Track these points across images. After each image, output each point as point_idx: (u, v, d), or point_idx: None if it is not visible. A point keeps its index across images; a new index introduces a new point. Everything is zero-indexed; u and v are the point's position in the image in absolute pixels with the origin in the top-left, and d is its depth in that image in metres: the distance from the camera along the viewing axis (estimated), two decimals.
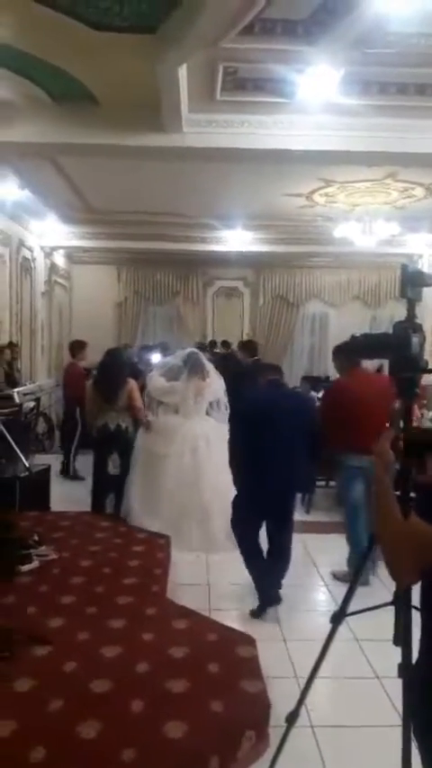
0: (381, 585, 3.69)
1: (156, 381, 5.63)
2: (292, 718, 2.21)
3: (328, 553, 4.79)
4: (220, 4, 3.19)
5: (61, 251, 11.29)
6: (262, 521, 4.03)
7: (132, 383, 5.47)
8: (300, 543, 5.00)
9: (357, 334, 1.87)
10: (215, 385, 5.54)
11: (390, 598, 1.82)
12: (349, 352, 4.09)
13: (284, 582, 4.14)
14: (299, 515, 5.15)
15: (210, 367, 5.69)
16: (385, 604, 1.86)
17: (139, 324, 12.92)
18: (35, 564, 4.02)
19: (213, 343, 11.78)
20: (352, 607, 2.07)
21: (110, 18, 3.43)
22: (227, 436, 4.28)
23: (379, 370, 6.40)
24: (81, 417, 7.18)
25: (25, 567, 3.94)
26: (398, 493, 1.51)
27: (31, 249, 9.65)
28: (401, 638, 1.73)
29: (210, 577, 4.36)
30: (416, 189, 7.34)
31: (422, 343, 1.68)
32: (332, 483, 5.79)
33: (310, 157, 5.29)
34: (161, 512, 5.07)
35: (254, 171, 6.43)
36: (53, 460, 7.09)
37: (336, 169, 6.46)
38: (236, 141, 4.90)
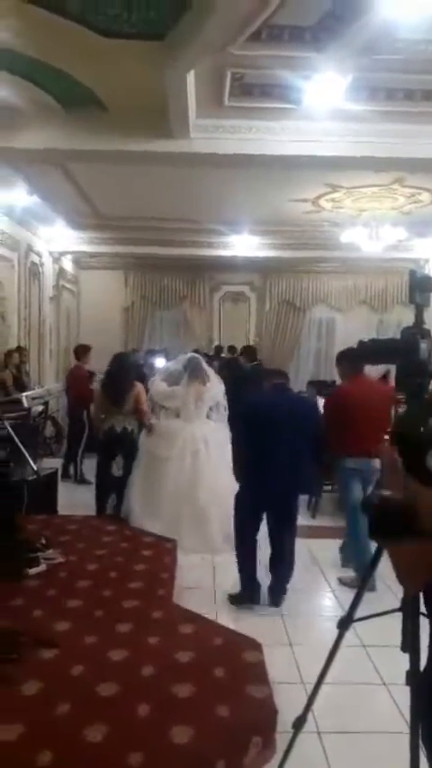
0: (388, 591, 3.67)
1: (157, 386, 5.70)
2: (299, 723, 2.21)
3: (335, 558, 4.77)
4: (228, 11, 3.21)
5: (69, 256, 11.35)
6: (261, 518, 4.11)
7: (140, 386, 5.53)
8: (305, 548, 5.00)
9: (365, 340, 1.87)
10: (215, 389, 5.61)
11: (397, 604, 1.81)
12: (356, 357, 4.17)
13: (291, 586, 4.13)
14: (305, 520, 5.16)
15: (210, 371, 5.75)
16: (393, 611, 1.85)
17: (146, 328, 12.96)
18: (42, 567, 4.03)
19: (220, 348, 11.82)
20: (359, 613, 2.07)
21: (118, 25, 3.46)
22: (226, 439, 4.29)
23: (385, 376, 6.38)
24: (88, 420, 7.21)
25: (32, 571, 3.95)
26: None
27: (39, 254, 9.70)
28: (409, 644, 1.73)
29: (216, 581, 4.35)
30: (423, 194, 7.34)
31: (430, 349, 1.68)
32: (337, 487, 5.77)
33: (316, 163, 5.31)
34: (161, 513, 5.13)
35: (261, 176, 6.45)
36: (61, 464, 7.12)
37: (342, 174, 6.47)
38: (243, 147, 4.93)
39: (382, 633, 2.55)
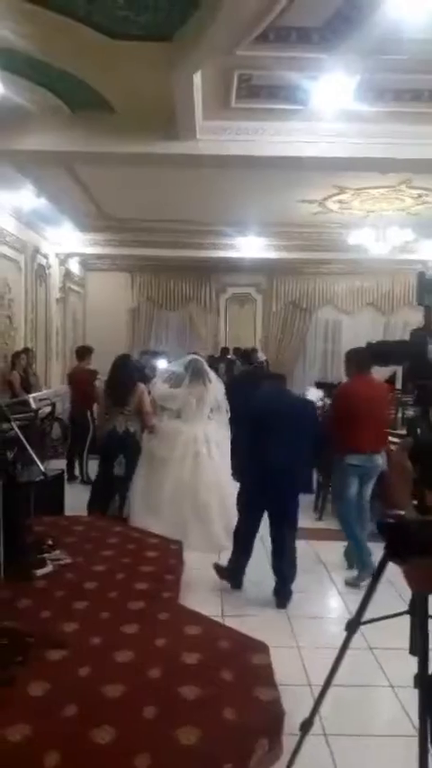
0: (396, 594, 3.66)
1: (158, 388, 5.75)
2: (306, 726, 2.19)
3: (339, 559, 4.76)
4: (235, 12, 3.22)
5: (76, 258, 11.38)
6: (262, 513, 4.19)
7: (142, 387, 5.58)
8: (312, 550, 4.99)
9: (374, 341, 1.86)
10: (216, 390, 5.65)
11: (405, 607, 1.80)
12: (361, 359, 4.33)
13: (297, 588, 4.13)
14: (311, 522, 5.15)
15: (211, 373, 5.80)
16: (401, 613, 1.84)
17: (152, 330, 12.96)
18: (50, 568, 4.04)
19: (226, 350, 11.82)
20: (367, 615, 2.06)
21: (126, 26, 3.47)
22: (227, 439, 4.30)
23: (392, 378, 6.37)
24: (91, 420, 7.22)
25: (40, 572, 3.96)
26: (416, 503, 1.49)
27: (46, 256, 9.74)
28: (418, 647, 1.72)
29: (222, 582, 4.34)
30: (430, 195, 7.33)
31: None
32: None
33: (324, 164, 5.31)
34: (163, 514, 5.17)
35: (268, 178, 6.45)
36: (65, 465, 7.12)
37: (350, 176, 6.47)
38: (250, 149, 4.93)
39: (388, 636, 2.54)
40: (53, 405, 5.50)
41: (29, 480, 4.14)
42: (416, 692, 1.70)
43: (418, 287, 1.73)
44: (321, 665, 2.27)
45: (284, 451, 3.92)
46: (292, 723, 2.46)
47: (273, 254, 10.72)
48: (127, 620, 3.38)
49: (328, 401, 7.15)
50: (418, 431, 1.59)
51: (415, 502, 1.49)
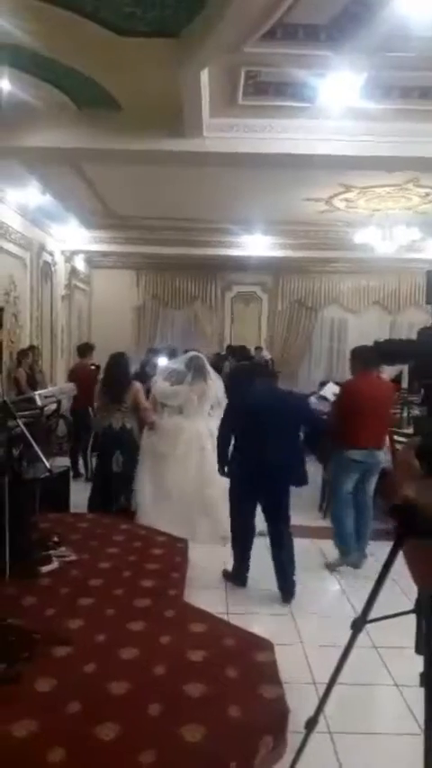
0: (401, 593, 3.65)
1: (159, 385, 5.79)
2: (311, 724, 2.19)
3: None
4: (243, 9, 3.21)
5: (81, 255, 11.39)
6: (254, 505, 4.24)
7: (137, 385, 5.63)
8: (316, 548, 4.99)
9: (381, 340, 1.85)
10: (216, 386, 5.72)
11: (411, 606, 1.80)
12: (366, 357, 4.42)
13: (302, 587, 4.12)
14: (315, 521, 5.15)
15: (211, 370, 5.87)
16: (407, 612, 1.84)
17: (158, 328, 12.98)
18: (55, 565, 4.05)
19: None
20: (372, 614, 2.05)
21: (133, 23, 3.47)
22: None
23: (398, 377, 6.37)
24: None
25: (45, 569, 3.97)
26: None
27: (51, 253, 9.75)
28: (424, 646, 1.71)
29: (227, 581, 4.34)
30: None
31: None
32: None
33: (331, 162, 5.29)
34: (170, 507, 5.24)
35: (274, 176, 6.44)
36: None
37: (356, 174, 6.45)
38: (257, 146, 4.92)
39: (393, 634, 2.54)
40: (58, 402, 5.50)
41: (34, 477, 4.15)
42: (421, 690, 1.69)
43: (427, 286, 1.73)
44: (326, 663, 2.27)
45: (276, 446, 3.98)
46: (296, 721, 2.47)
47: (278, 253, 10.71)
48: (132, 618, 3.38)
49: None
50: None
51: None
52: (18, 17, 3.42)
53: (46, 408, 4.62)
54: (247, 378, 4.73)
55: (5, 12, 3.36)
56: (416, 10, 3.35)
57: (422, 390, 1.67)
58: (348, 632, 2.09)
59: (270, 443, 3.99)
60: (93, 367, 7.68)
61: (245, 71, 4.20)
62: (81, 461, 7.45)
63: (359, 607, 2.09)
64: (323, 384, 9.68)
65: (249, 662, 2.99)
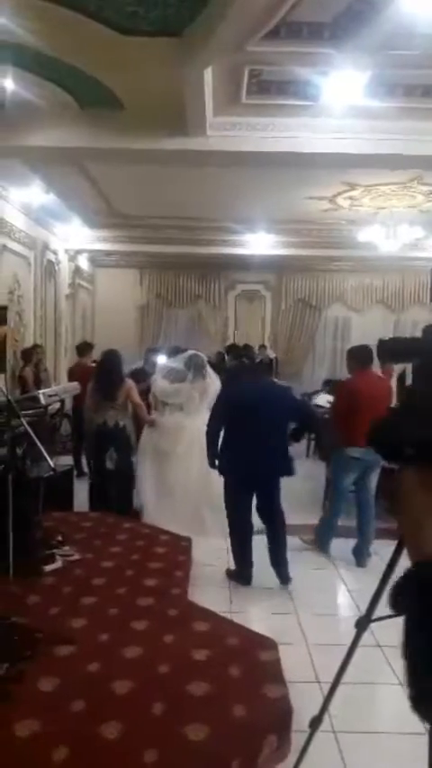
0: None
1: (159, 384, 5.84)
2: (315, 723, 2.19)
3: (349, 557, 4.75)
4: (246, 7, 3.20)
5: (85, 254, 11.40)
6: (250, 499, 4.33)
7: (130, 383, 5.66)
8: None
9: (385, 338, 1.84)
10: (215, 384, 5.78)
11: None
12: (363, 355, 4.61)
13: (306, 586, 4.13)
14: (318, 519, 5.14)
15: (209, 368, 5.95)
16: None
17: (161, 327, 12.98)
18: (59, 564, 4.06)
19: (238, 347, 11.82)
20: (377, 613, 2.05)
21: (136, 22, 3.46)
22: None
23: (402, 376, 6.35)
24: None
25: (49, 567, 3.98)
26: None
27: (55, 252, 9.76)
28: None
29: (231, 580, 4.34)
30: None
31: None
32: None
33: (334, 160, 5.28)
34: (176, 504, 5.31)
35: (277, 174, 6.43)
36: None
37: (360, 172, 6.43)
38: (260, 145, 4.91)
39: (398, 633, 2.52)
40: (62, 401, 5.50)
41: (38, 476, 4.16)
42: None
43: None
44: (330, 662, 2.27)
45: (264, 439, 4.09)
46: (300, 720, 2.46)
47: (282, 251, 10.69)
48: (135, 617, 3.38)
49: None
50: None
51: None
52: (21, 16, 3.42)
53: (50, 407, 4.63)
54: (236, 374, 4.80)
55: (9, 11, 3.36)
56: (420, 8, 3.34)
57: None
58: (352, 631, 2.09)
59: (258, 437, 4.10)
60: (93, 365, 7.68)
61: (248, 70, 4.19)
62: (84, 460, 7.46)
63: (363, 606, 2.08)
64: (327, 383, 9.68)
65: (253, 661, 2.98)
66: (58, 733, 2.36)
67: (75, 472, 6.20)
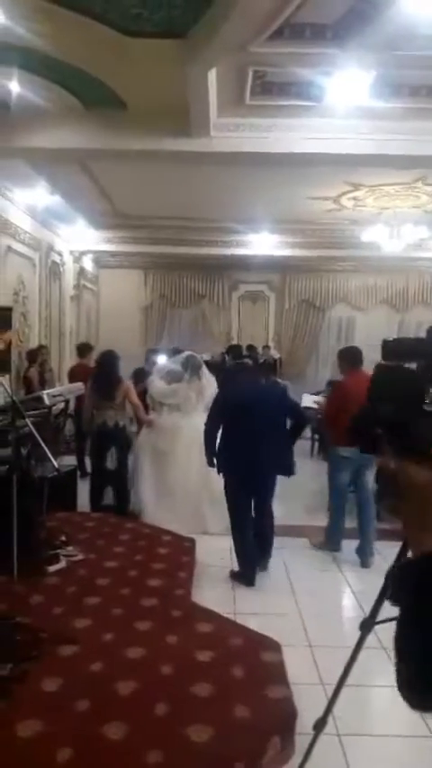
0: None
1: (156, 384, 5.92)
2: (319, 725, 2.19)
3: (354, 559, 4.74)
4: (250, 8, 3.20)
5: (89, 255, 11.41)
6: (251, 500, 4.40)
7: (128, 383, 5.77)
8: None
9: (389, 339, 1.83)
10: (211, 385, 5.87)
11: None
12: (352, 356, 4.81)
13: (309, 586, 4.14)
14: (322, 522, 5.13)
15: (205, 369, 6.03)
16: None
17: (165, 328, 12.98)
18: (62, 564, 4.06)
19: (238, 347, 11.82)
20: (381, 615, 2.04)
21: (140, 24, 3.47)
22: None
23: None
24: None
25: (53, 568, 3.99)
26: None
27: (60, 253, 9.78)
28: None
29: (234, 581, 4.34)
30: None
31: None
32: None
33: (338, 161, 5.27)
34: (176, 503, 5.37)
35: (281, 175, 6.42)
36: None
37: (364, 172, 6.42)
38: (264, 145, 4.91)
39: None
40: (67, 401, 5.52)
41: (42, 476, 4.17)
42: None
43: None
44: (334, 664, 2.26)
45: (261, 438, 4.15)
46: (303, 722, 2.46)
47: (286, 252, 10.68)
48: (139, 617, 3.39)
49: None
50: None
51: None
52: (28, 19, 3.43)
53: (54, 407, 4.63)
54: (234, 375, 4.87)
55: (16, 14, 3.37)
56: (423, 8, 3.32)
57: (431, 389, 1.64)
58: (357, 633, 2.08)
59: (254, 436, 4.16)
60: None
61: (252, 71, 4.18)
62: (87, 460, 7.47)
63: (367, 608, 2.08)
64: (330, 383, 9.66)
65: (256, 662, 2.98)
66: (61, 733, 2.36)
67: (78, 472, 6.21)
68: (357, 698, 2.79)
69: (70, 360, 10.33)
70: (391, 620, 2.05)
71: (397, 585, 0.94)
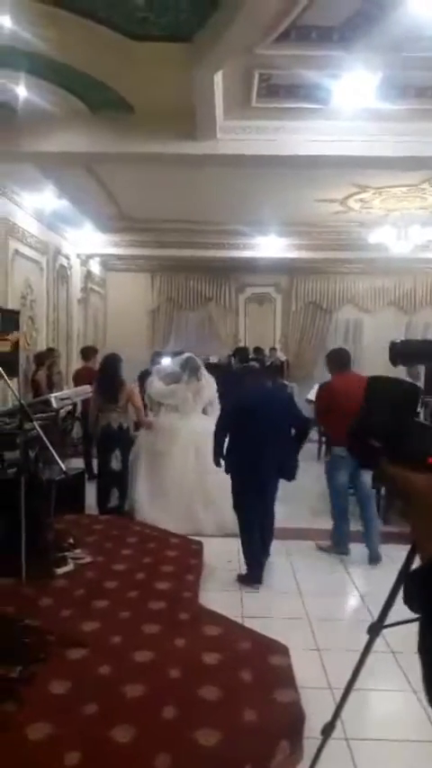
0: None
1: (155, 385, 6.01)
2: (327, 729, 2.17)
3: (361, 562, 4.72)
4: (256, 11, 3.20)
5: (97, 259, 11.44)
6: (257, 499, 4.40)
7: (131, 386, 5.86)
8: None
9: (397, 341, 1.83)
10: (210, 386, 5.95)
11: None
12: (340, 359, 5.01)
13: (317, 589, 4.13)
14: (330, 525, 5.11)
15: (204, 371, 6.09)
16: None
17: (172, 330, 12.99)
18: (70, 567, 4.07)
19: (245, 350, 11.80)
20: (389, 619, 2.03)
21: (146, 28, 3.48)
22: None
23: (413, 378, 6.34)
24: None
25: (61, 570, 3.99)
26: None
27: (67, 257, 9.81)
28: None
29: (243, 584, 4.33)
30: None
31: None
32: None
33: (345, 163, 5.27)
34: (169, 503, 5.41)
35: (288, 177, 6.41)
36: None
37: (371, 174, 6.40)
38: (270, 148, 4.91)
39: (410, 640, 2.50)
40: (74, 404, 5.56)
41: (50, 479, 4.18)
42: None
43: None
44: (342, 667, 2.25)
45: (266, 441, 4.21)
46: (311, 726, 2.44)
47: (292, 254, 10.67)
48: (147, 620, 3.39)
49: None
50: None
51: None
52: (34, 24, 3.44)
53: (62, 410, 4.65)
54: (240, 378, 4.93)
55: (23, 19, 3.39)
56: (429, 10, 3.31)
57: None
58: (365, 637, 2.07)
59: (258, 439, 4.21)
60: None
61: (258, 73, 4.18)
62: (95, 462, 7.48)
63: (376, 611, 2.07)
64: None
65: (264, 666, 2.97)
66: (69, 736, 2.36)
67: (86, 475, 6.23)
68: (366, 702, 2.78)
69: (78, 363, 10.37)
70: (399, 623, 2.05)
71: (409, 593, 0.93)
